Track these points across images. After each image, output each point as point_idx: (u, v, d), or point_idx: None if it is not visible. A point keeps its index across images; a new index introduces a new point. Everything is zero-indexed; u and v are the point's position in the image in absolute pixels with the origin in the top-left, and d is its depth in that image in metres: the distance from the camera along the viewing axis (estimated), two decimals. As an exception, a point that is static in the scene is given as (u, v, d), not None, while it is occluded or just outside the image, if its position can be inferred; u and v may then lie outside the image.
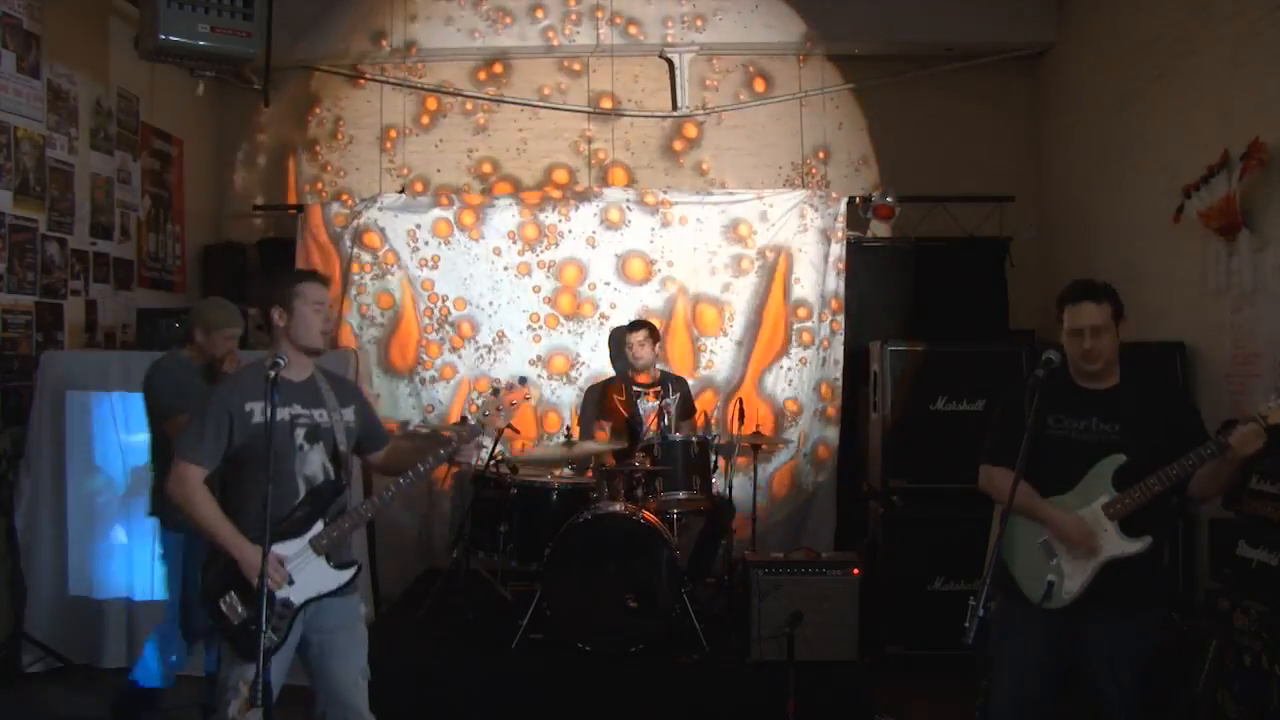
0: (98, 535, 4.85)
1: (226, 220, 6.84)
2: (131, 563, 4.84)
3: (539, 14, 6.42)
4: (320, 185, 6.70)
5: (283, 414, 2.91)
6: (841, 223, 6.12)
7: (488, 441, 3.26)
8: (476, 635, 4.84)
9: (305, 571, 2.89)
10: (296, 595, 2.87)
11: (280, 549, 2.84)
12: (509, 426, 5.38)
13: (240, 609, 2.83)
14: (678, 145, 6.65)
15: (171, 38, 4.67)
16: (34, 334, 5.00)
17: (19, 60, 4.85)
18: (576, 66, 6.65)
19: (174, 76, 5.75)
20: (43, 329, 5.06)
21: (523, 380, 3.39)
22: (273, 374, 2.78)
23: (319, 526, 2.95)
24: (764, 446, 5.47)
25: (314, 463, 2.98)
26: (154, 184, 6.13)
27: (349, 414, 3.09)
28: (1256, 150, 4.09)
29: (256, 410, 2.89)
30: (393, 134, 6.67)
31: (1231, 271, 4.40)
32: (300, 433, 2.95)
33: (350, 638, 3.03)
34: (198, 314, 4.07)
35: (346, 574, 3.00)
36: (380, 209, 6.15)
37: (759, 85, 6.64)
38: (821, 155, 6.64)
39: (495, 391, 3.21)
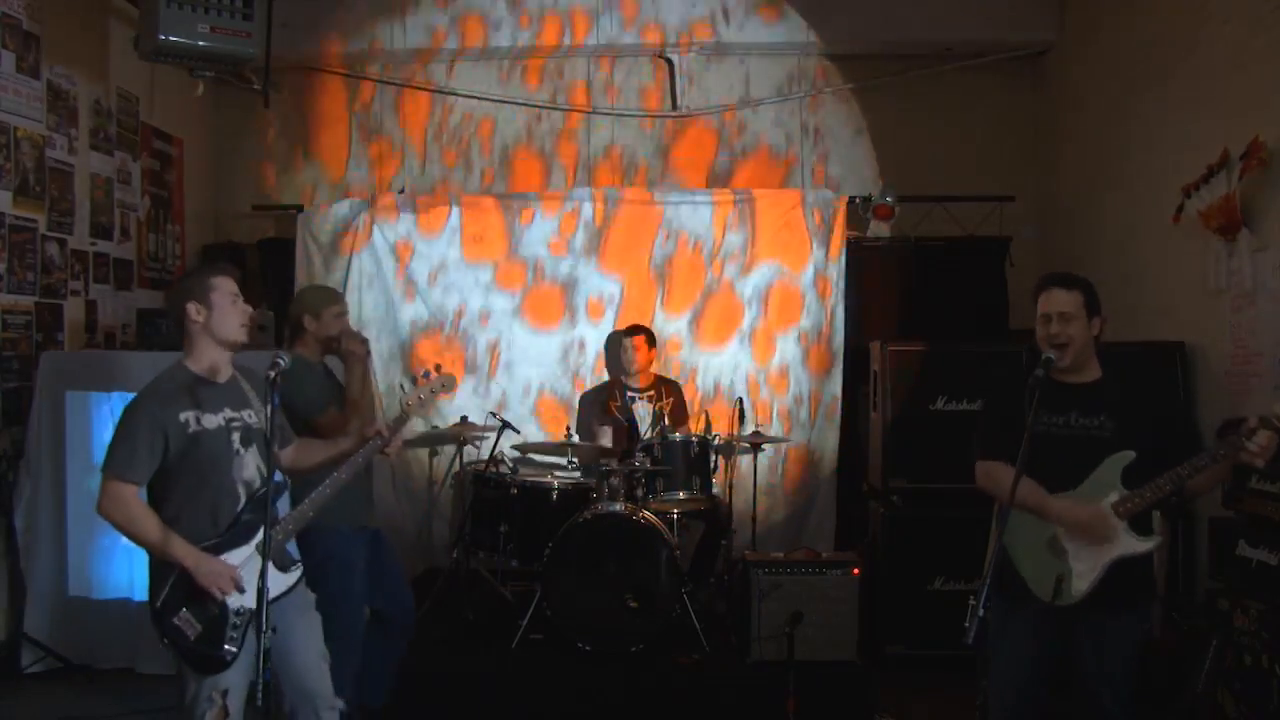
0: (98, 535, 4.84)
1: (226, 220, 6.83)
2: (131, 563, 4.84)
3: (538, 13, 6.42)
4: (320, 185, 6.70)
5: (216, 420, 2.88)
6: (841, 222, 6.12)
7: (415, 428, 3.32)
8: (476, 635, 4.84)
9: (256, 577, 2.77)
10: (249, 601, 2.81)
11: (229, 557, 2.83)
12: (506, 424, 5.41)
13: (196, 623, 2.81)
14: (677, 144, 6.65)
15: (171, 38, 4.67)
16: (34, 334, 5.00)
17: (19, 60, 4.85)
18: (577, 65, 6.65)
19: (174, 76, 5.74)
20: (43, 329, 5.07)
21: (438, 368, 3.42)
22: (273, 374, 2.75)
23: (263, 531, 2.87)
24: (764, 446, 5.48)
25: (250, 466, 2.94)
26: (154, 184, 6.13)
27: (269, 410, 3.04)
28: (1256, 150, 4.09)
29: (191, 420, 2.85)
30: (392, 133, 6.67)
31: (1231, 271, 4.40)
32: (236, 437, 2.91)
33: (305, 624, 3.03)
34: (300, 304, 3.95)
35: (295, 575, 2.98)
36: (381, 208, 6.15)
37: (758, 84, 6.64)
38: (821, 155, 6.64)
39: (414, 381, 3.24)
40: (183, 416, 2.85)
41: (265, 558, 2.65)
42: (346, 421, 3.59)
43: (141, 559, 4.77)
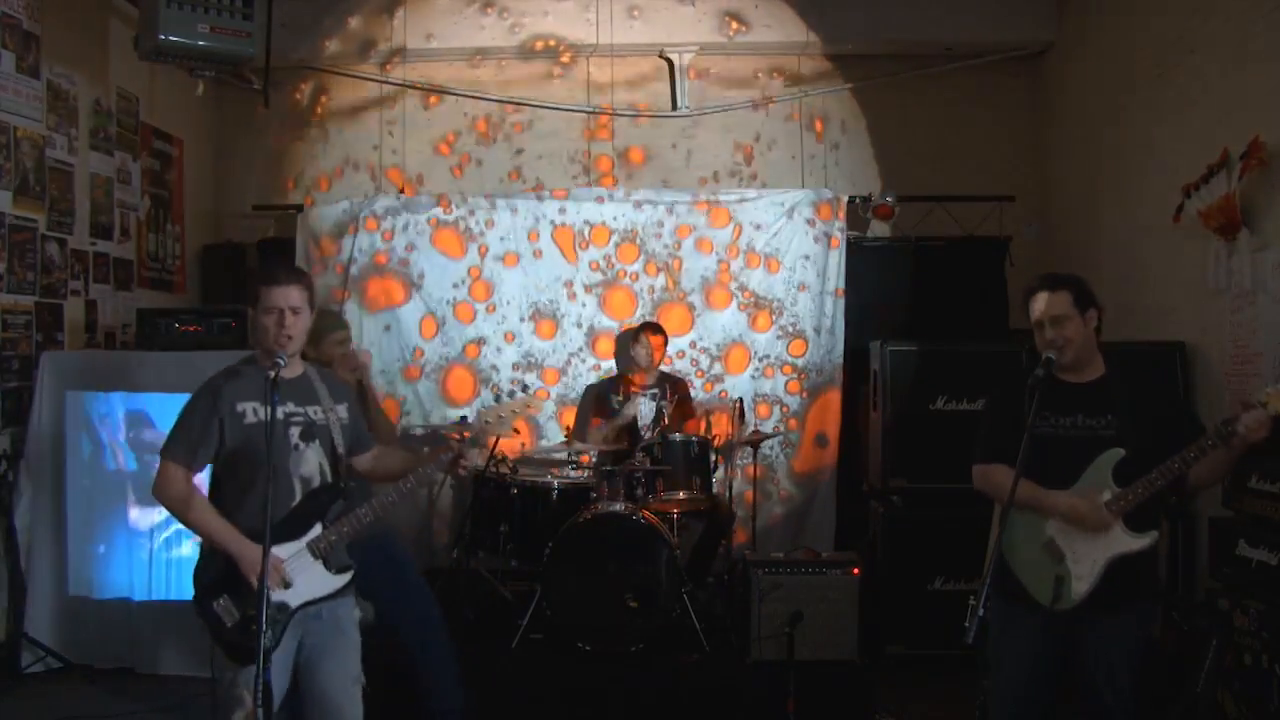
0: (97, 535, 4.84)
1: (226, 220, 6.83)
2: (131, 563, 4.84)
3: (538, 13, 6.42)
4: (320, 185, 6.70)
5: (276, 413, 2.85)
6: (841, 222, 6.12)
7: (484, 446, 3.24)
8: (476, 635, 4.84)
9: (302, 575, 2.84)
10: (293, 598, 2.82)
11: (277, 551, 2.79)
12: (512, 430, 5.40)
13: (235, 611, 2.80)
14: (677, 145, 6.65)
15: (171, 38, 4.67)
16: (34, 334, 5.00)
17: (19, 60, 4.85)
18: (576, 65, 6.65)
19: (174, 76, 5.74)
20: (43, 329, 5.06)
21: (524, 388, 3.40)
22: (272, 374, 2.76)
23: (317, 529, 2.90)
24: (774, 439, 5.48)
25: (311, 462, 2.93)
26: (154, 184, 6.13)
27: (343, 410, 3.04)
28: (1256, 149, 4.09)
29: (248, 410, 2.86)
30: (392, 133, 6.68)
31: (1231, 271, 4.40)
32: (295, 431, 2.90)
33: (344, 641, 2.97)
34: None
35: (344, 578, 2.95)
36: (380, 208, 6.15)
37: (759, 84, 6.64)
38: (821, 155, 6.64)
39: (511, 394, 3.21)
40: (241, 406, 2.86)
41: (265, 557, 2.64)
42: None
43: (141, 560, 4.83)
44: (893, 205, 6.26)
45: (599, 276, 6.16)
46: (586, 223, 6.17)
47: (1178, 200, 4.64)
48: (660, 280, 6.15)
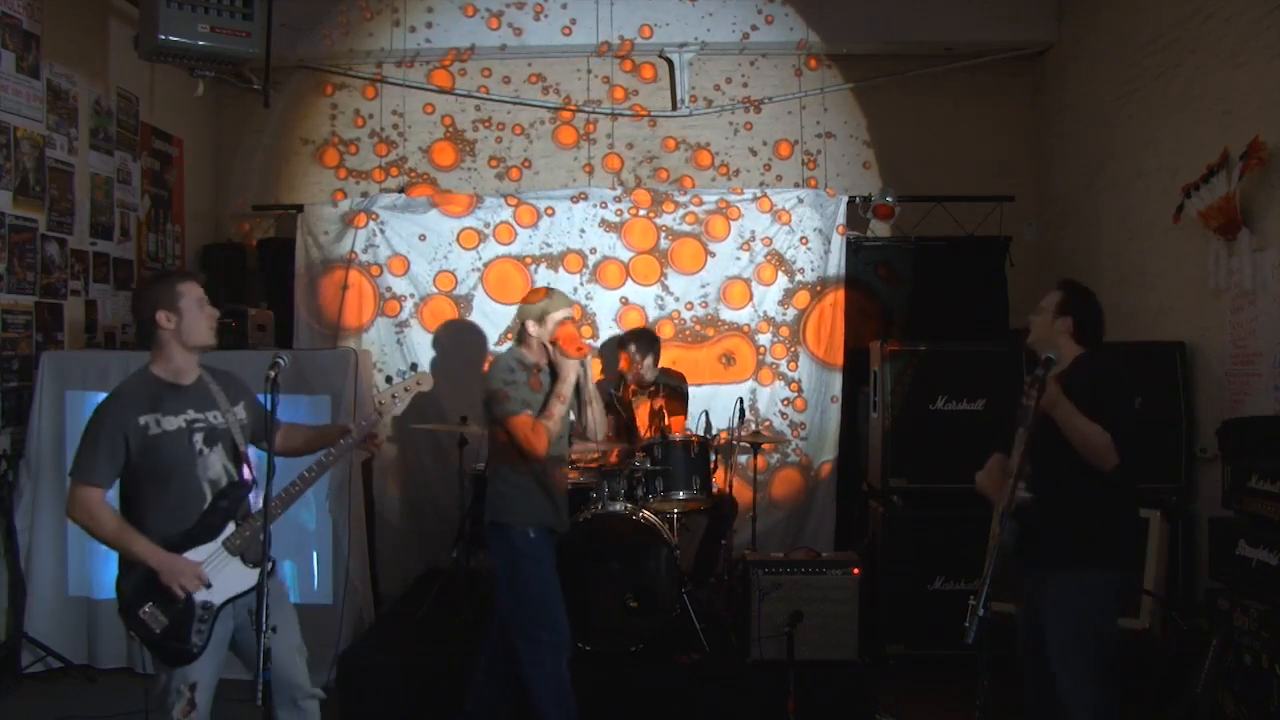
0: (98, 535, 4.84)
1: (226, 220, 6.84)
2: (131, 563, 4.84)
3: (538, 12, 6.43)
4: (320, 184, 6.70)
5: (177, 421, 2.92)
6: (841, 222, 6.13)
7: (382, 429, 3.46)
8: (476, 635, 4.83)
9: (222, 573, 2.91)
10: (216, 596, 2.89)
11: (194, 554, 2.87)
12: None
13: (161, 617, 2.84)
14: (678, 144, 6.66)
15: (171, 38, 4.67)
16: (34, 334, 5.00)
17: (19, 60, 4.85)
18: (576, 65, 6.66)
19: (174, 76, 5.75)
20: (43, 329, 5.07)
21: (413, 366, 3.50)
22: (273, 374, 2.78)
23: (230, 528, 2.96)
24: (765, 446, 5.48)
25: (215, 465, 2.99)
26: (154, 184, 6.13)
27: (240, 410, 3.11)
28: (1256, 149, 4.10)
29: (151, 423, 2.89)
30: (393, 133, 6.68)
31: (1231, 271, 4.40)
32: (198, 437, 2.96)
33: (281, 616, 3.04)
34: (525, 309, 3.85)
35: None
36: (380, 208, 6.15)
37: (759, 84, 6.65)
38: (821, 154, 6.64)
39: (389, 380, 3.38)
40: (142, 420, 2.88)
41: (265, 557, 2.66)
42: (538, 427, 3.63)
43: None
44: (893, 205, 6.26)
45: (598, 274, 6.16)
46: (584, 221, 6.17)
47: (1178, 200, 4.64)
48: (661, 280, 6.15)
